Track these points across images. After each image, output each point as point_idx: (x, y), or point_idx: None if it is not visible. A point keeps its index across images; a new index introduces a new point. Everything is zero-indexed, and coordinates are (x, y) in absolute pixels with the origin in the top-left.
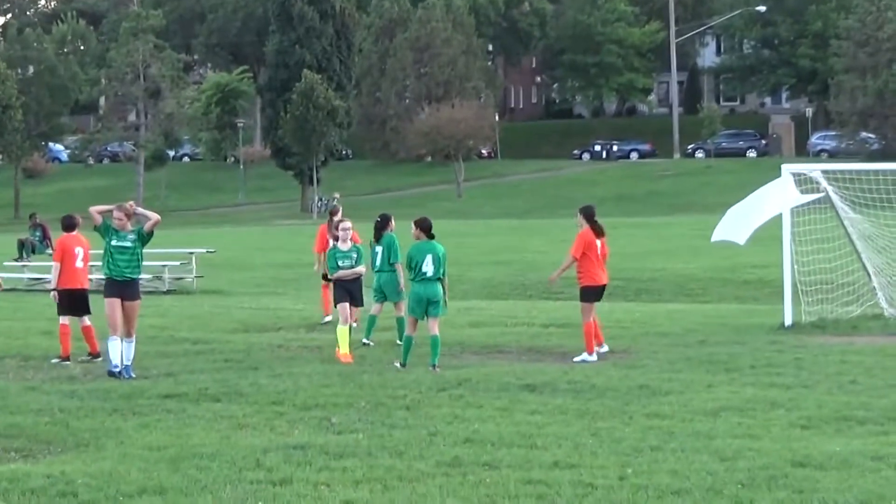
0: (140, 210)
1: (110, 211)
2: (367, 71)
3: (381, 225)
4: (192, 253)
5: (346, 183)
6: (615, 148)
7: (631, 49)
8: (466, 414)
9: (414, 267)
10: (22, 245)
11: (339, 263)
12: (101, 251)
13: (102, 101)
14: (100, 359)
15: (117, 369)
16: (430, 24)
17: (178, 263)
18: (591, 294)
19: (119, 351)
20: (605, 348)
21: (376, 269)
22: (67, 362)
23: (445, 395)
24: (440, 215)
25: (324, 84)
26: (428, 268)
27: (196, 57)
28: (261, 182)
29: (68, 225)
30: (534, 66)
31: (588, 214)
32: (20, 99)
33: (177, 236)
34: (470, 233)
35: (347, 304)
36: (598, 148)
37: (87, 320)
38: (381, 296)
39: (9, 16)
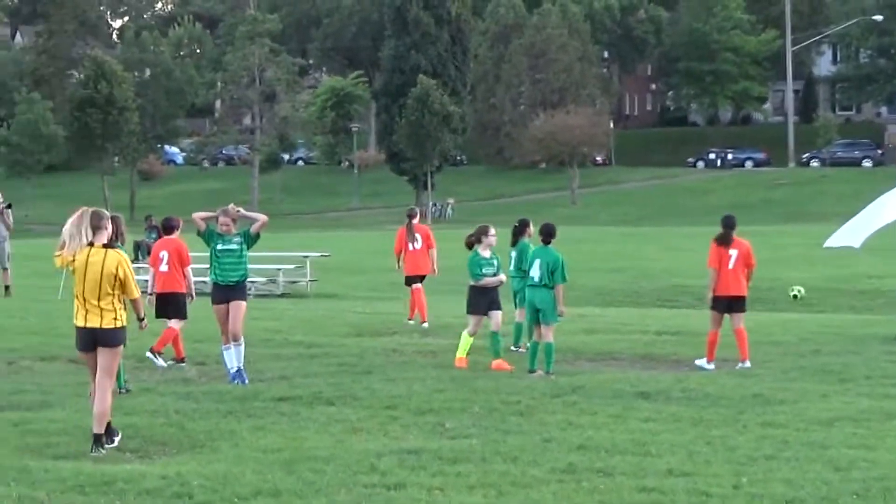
0: (245, 213)
1: (214, 217)
2: (482, 76)
3: (520, 230)
4: (306, 257)
5: (459, 188)
6: (730, 156)
7: (746, 57)
8: (580, 420)
9: (527, 271)
10: (138, 247)
11: (483, 270)
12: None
13: (218, 104)
14: (183, 364)
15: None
16: (546, 31)
17: (292, 267)
18: (716, 302)
19: (233, 356)
20: (747, 364)
21: (510, 275)
22: (182, 364)
23: (559, 401)
24: (554, 221)
25: (439, 89)
26: (535, 273)
27: (311, 61)
28: (375, 186)
29: (166, 227)
30: (649, 73)
31: (723, 223)
32: (136, 101)
33: (291, 240)
34: (584, 239)
35: (481, 317)
36: (712, 156)
37: (173, 324)
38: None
39: (126, 19)
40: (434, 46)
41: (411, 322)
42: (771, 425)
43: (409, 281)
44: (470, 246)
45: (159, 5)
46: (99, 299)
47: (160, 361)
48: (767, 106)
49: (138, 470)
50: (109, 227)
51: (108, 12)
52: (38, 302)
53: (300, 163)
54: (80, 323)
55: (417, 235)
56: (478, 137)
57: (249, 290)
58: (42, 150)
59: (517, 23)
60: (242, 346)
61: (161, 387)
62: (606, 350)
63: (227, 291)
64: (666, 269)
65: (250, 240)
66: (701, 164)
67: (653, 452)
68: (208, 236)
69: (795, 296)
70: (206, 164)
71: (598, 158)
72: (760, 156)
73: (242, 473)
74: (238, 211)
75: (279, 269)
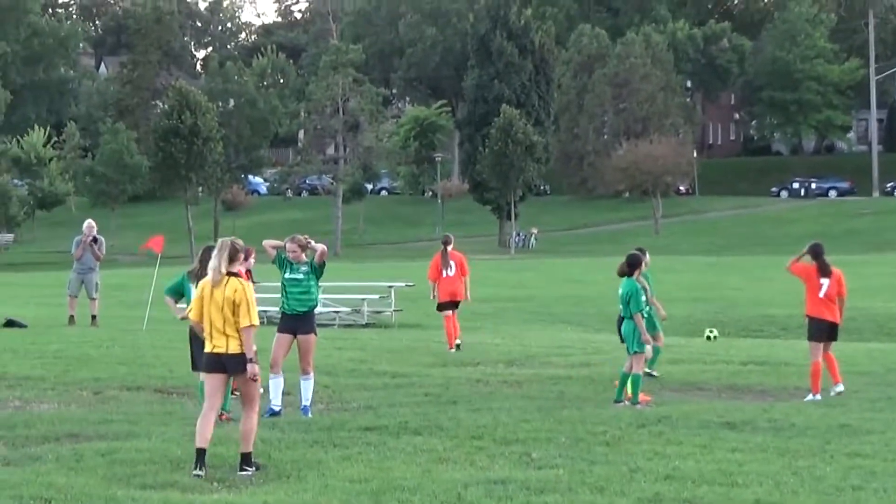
0: (312, 243)
1: (283, 245)
2: (565, 106)
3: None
4: (390, 287)
5: (543, 218)
6: (813, 185)
7: (830, 86)
8: (667, 451)
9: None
10: None
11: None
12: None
13: (301, 134)
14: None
15: (278, 409)
16: (629, 60)
17: (376, 297)
18: (813, 330)
19: (280, 390)
20: (840, 388)
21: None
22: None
23: (645, 431)
24: None
25: (522, 119)
26: (621, 304)
27: (395, 91)
28: (458, 216)
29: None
30: (732, 102)
31: (813, 252)
32: (220, 132)
33: (375, 270)
34: (668, 269)
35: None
36: (796, 185)
37: None
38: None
39: (209, 49)
40: (518, 76)
41: (452, 351)
42: (858, 455)
43: (442, 307)
44: (622, 275)
45: (243, 36)
46: (224, 324)
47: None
48: (851, 135)
49: (225, 499)
50: (241, 258)
51: (192, 43)
52: (123, 332)
53: (383, 192)
54: (208, 348)
55: (452, 262)
56: (561, 167)
57: (334, 320)
58: (126, 180)
59: (600, 52)
60: (312, 381)
61: None
62: (692, 380)
63: (293, 321)
64: (750, 298)
65: (316, 270)
66: (784, 193)
67: (739, 483)
68: (279, 263)
69: (708, 337)
70: (289, 193)
71: (681, 188)
72: (844, 185)
73: (329, 503)
74: (306, 239)
75: (363, 300)
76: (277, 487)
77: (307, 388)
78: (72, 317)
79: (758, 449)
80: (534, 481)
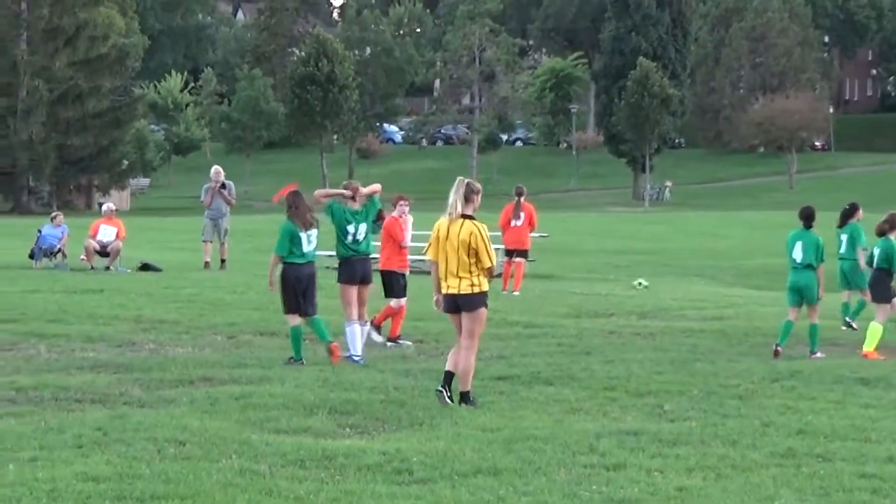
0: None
1: (339, 194)
2: (701, 60)
3: (849, 212)
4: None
5: (677, 171)
6: None
7: None
8: (799, 405)
9: (787, 254)
10: None
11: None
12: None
13: (437, 83)
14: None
15: (358, 358)
16: (767, 14)
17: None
18: None
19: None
20: None
21: (839, 257)
22: (401, 342)
23: (778, 385)
24: (771, 207)
25: (659, 72)
26: (797, 255)
27: (531, 42)
28: (593, 168)
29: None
30: (870, 58)
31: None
32: (356, 80)
33: None
34: None
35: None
36: None
37: (393, 303)
38: (846, 282)
39: None
40: (655, 29)
41: (504, 293)
42: None
43: (508, 254)
44: (881, 233)
45: None
46: (458, 267)
47: (376, 336)
48: None
49: (358, 445)
50: (477, 200)
51: None
52: (258, 277)
53: (518, 143)
54: (443, 290)
55: (522, 213)
56: (696, 121)
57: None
58: (262, 127)
59: (738, 6)
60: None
61: (380, 363)
62: (827, 336)
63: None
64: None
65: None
66: None
67: (873, 439)
68: (331, 212)
69: (635, 287)
70: (424, 143)
71: (816, 144)
72: None
73: (462, 451)
74: (356, 186)
75: (498, 250)
76: (410, 435)
77: (364, 332)
78: (207, 263)
79: (891, 405)
80: (666, 433)
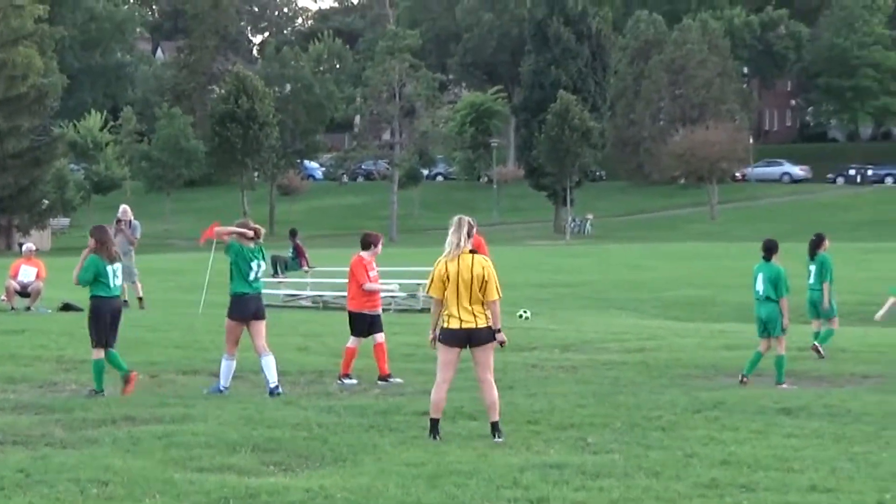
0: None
1: (242, 234)
2: (621, 92)
3: (817, 243)
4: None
5: (599, 204)
6: (870, 172)
7: (888, 73)
8: (722, 436)
9: (752, 287)
10: (275, 261)
11: None
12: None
13: (357, 119)
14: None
15: (224, 388)
16: (686, 46)
17: None
18: None
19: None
20: None
21: (809, 287)
22: (391, 381)
23: (701, 416)
24: (692, 237)
25: (579, 105)
26: (759, 287)
27: (451, 76)
28: (514, 202)
29: (363, 242)
30: (789, 88)
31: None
32: (277, 116)
33: (431, 255)
34: (723, 255)
35: None
36: (852, 172)
37: (350, 342)
38: (815, 312)
39: (266, 34)
40: (574, 62)
41: None
42: None
43: None
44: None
45: (299, 21)
46: (471, 302)
47: (349, 382)
48: None
49: (282, 483)
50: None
51: (249, 28)
52: (180, 316)
53: (439, 178)
54: (455, 326)
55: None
56: (617, 153)
57: (390, 304)
58: (182, 165)
59: (657, 38)
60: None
61: (303, 400)
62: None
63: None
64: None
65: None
66: (840, 180)
67: (795, 468)
68: (233, 250)
69: (520, 316)
70: (345, 178)
71: (737, 174)
72: None
73: (386, 487)
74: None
75: (419, 285)
76: (334, 471)
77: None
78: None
79: (813, 435)
80: (589, 466)
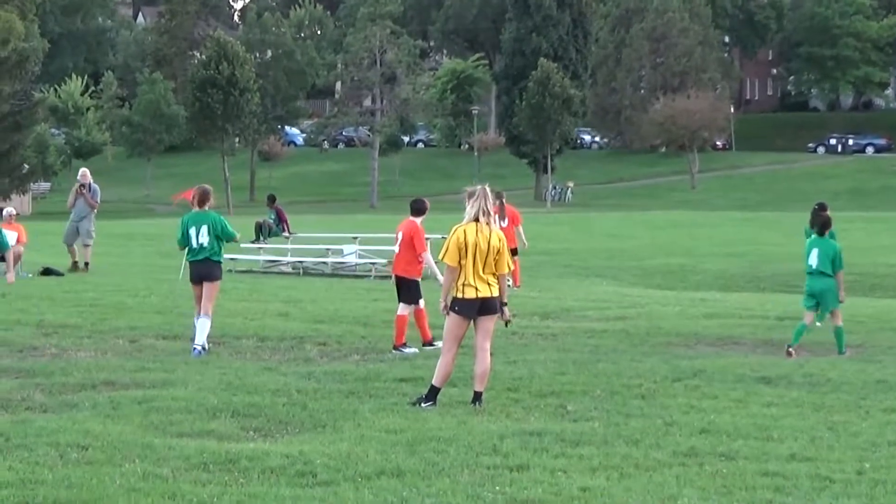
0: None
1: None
2: (602, 60)
3: (820, 213)
4: (428, 239)
5: (579, 172)
6: (850, 142)
7: (868, 42)
8: (702, 404)
9: (804, 260)
10: (259, 228)
11: None
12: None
13: (338, 85)
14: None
15: (198, 349)
16: (667, 14)
17: None
18: None
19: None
20: None
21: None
22: (403, 350)
23: (681, 385)
24: (673, 206)
25: (560, 73)
26: (812, 261)
27: (432, 43)
28: (494, 169)
29: (413, 208)
30: (770, 58)
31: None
32: (257, 82)
33: None
34: (703, 224)
35: None
36: (833, 141)
37: (400, 309)
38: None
39: (247, 0)
40: (555, 29)
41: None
42: (894, 411)
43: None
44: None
45: None
46: (486, 272)
47: (409, 350)
48: (889, 91)
49: (261, 448)
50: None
51: None
52: (160, 282)
53: (420, 145)
54: (472, 295)
55: (506, 215)
56: (598, 121)
57: (370, 271)
58: (163, 130)
59: (638, 7)
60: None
61: (283, 366)
62: (727, 335)
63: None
64: (786, 253)
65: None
66: (821, 149)
67: (775, 437)
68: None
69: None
70: (325, 145)
71: (717, 143)
72: (881, 142)
73: (365, 453)
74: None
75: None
76: (313, 437)
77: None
78: (75, 263)
79: (793, 404)
80: (569, 433)
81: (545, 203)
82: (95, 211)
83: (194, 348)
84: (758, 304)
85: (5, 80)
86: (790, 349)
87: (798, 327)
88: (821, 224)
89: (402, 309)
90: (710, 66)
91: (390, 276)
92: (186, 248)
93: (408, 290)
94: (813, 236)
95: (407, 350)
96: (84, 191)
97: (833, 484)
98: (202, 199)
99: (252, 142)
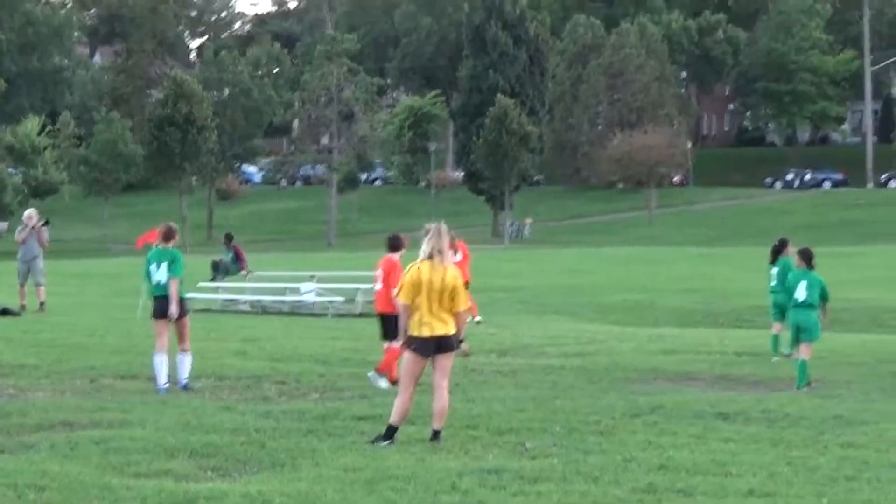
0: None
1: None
2: (559, 96)
3: (779, 248)
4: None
5: (537, 208)
6: (808, 176)
7: (825, 77)
8: (661, 440)
9: (789, 294)
10: (216, 266)
11: None
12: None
13: (296, 123)
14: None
15: (163, 387)
16: (624, 51)
17: (371, 287)
18: None
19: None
20: None
21: (770, 290)
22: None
23: (639, 421)
24: (631, 242)
25: (517, 109)
26: (800, 294)
27: (389, 80)
28: (452, 206)
29: (391, 245)
30: (727, 93)
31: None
32: (215, 121)
33: (369, 260)
34: (661, 260)
35: None
36: (790, 176)
37: (394, 343)
38: (780, 314)
39: (204, 38)
40: (512, 66)
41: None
42: (852, 446)
43: None
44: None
45: (237, 25)
46: (441, 310)
47: (383, 383)
48: (846, 126)
49: (220, 488)
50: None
51: (186, 32)
52: (117, 321)
53: (378, 182)
54: (427, 333)
55: (458, 250)
56: (555, 157)
57: (328, 309)
58: (120, 169)
59: (595, 43)
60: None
61: (241, 405)
62: (685, 370)
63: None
64: (743, 289)
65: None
66: (779, 184)
67: (733, 473)
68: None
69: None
70: (283, 183)
71: (675, 178)
72: (839, 176)
73: (324, 492)
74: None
75: (357, 289)
76: (271, 476)
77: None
78: (23, 306)
79: (751, 439)
80: (528, 471)
81: (503, 240)
82: (45, 250)
83: (165, 386)
84: (716, 339)
85: None
86: (810, 383)
87: (799, 364)
88: (807, 258)
89: (391, 343)
90: (667, 101)
91: (348, 315)
92: (147, 284)
93: (391, 326)
94: (800, 269)
95: (381, 382)
96: (37, 230)
97: None
98: (167, 235)
99: (210, 180)
